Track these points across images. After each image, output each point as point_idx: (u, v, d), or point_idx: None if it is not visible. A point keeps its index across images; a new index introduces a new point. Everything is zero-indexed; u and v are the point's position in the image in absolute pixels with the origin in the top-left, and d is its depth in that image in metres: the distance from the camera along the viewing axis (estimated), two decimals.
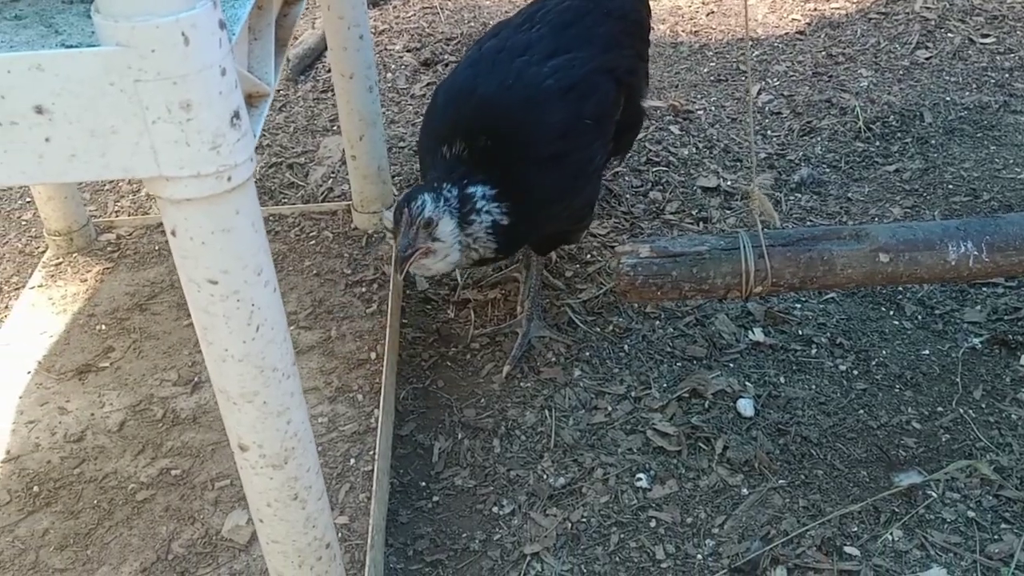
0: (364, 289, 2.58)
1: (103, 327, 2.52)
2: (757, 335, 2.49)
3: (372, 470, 2.03)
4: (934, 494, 2.05)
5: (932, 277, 1.59)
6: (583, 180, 2.33)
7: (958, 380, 2.32)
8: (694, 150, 3.28)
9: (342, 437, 2.15)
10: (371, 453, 2.08)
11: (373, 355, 2.36)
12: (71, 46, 1.12)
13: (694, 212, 2.98)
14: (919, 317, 2.51)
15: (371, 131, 2.66)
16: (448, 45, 4.09)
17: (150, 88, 1.03)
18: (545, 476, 2.17)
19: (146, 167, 1.09)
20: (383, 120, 3.62)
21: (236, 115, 1.11)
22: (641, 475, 2.15)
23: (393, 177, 3.24)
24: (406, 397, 2.42)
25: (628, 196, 3.06)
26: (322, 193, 3.20)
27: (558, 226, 2.45)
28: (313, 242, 2.80)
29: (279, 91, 3.88)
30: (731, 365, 2.42)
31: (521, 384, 2.43)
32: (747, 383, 2.36)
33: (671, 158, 3.24)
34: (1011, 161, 3.06)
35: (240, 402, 1.31)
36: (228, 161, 1.11)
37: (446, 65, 3.95)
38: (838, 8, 4.09)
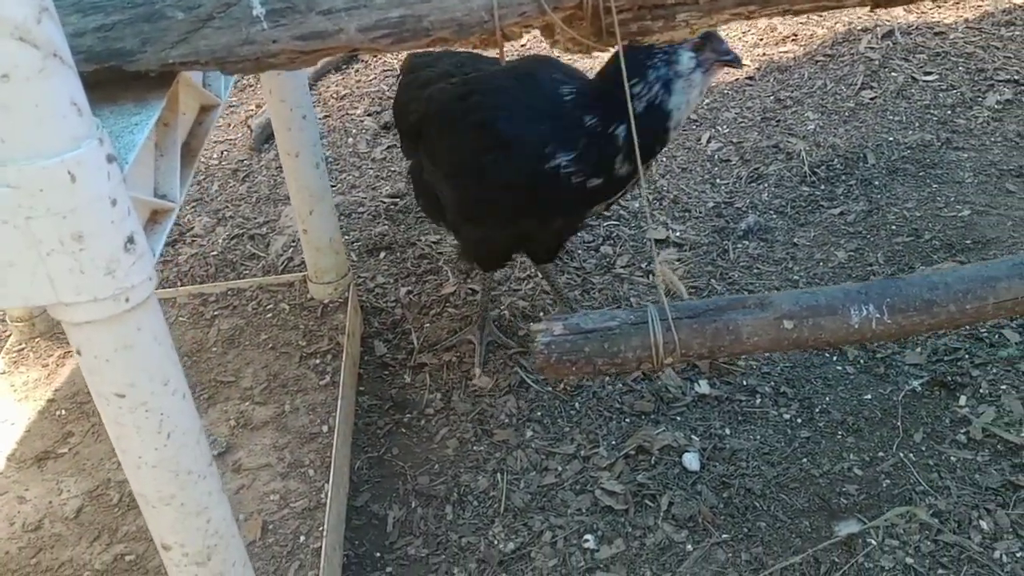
0: (318, 360, 2.64)
1: (63, 412, 2.56)
2: (703, 387, 2.54)
3: (321, 547, 2.06)
4: (873, 542, 2.09)
5: (837, 341, 1.63)
6: None
7: (899, 424, 2.37)
8: (645, 202, 3.35)
9: (293, 514, 2.19)
10: (321, 529, 2.12)
11: (325, 428, 2.40)
12: None
13: (644, 265, 3.04)
14: (861, 361, 2.56)
15: (320, 205, 2.72)
16: None
17: (42, 223, 1.09)
18: (495, 542, 2.21)
19: (44, 295, 1.14)
20: (345, 185, 3.72)
21: (130, 240, 1.17)
22: (588, 536, 2.19)
23: (352, 243, 3.32)
24: (361, 467, 2.46)
25: (580, 251, 3.13)
26: (282, 263, 3.27)
27: None
28: (270, 315, 2.85)
29: (243, 161, 3.97)
30: (678, 419, 2.47)
31: (474, 448, 2.47)
32: (693, 436, 2.40)
33: (622, 211, 3.30)
34: (952, 199, 3.13)
35: (159, 505, 1.35)
36: (124, 284, 1.17)
37: None
38: (786, 52, 4.18)
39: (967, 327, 2.59)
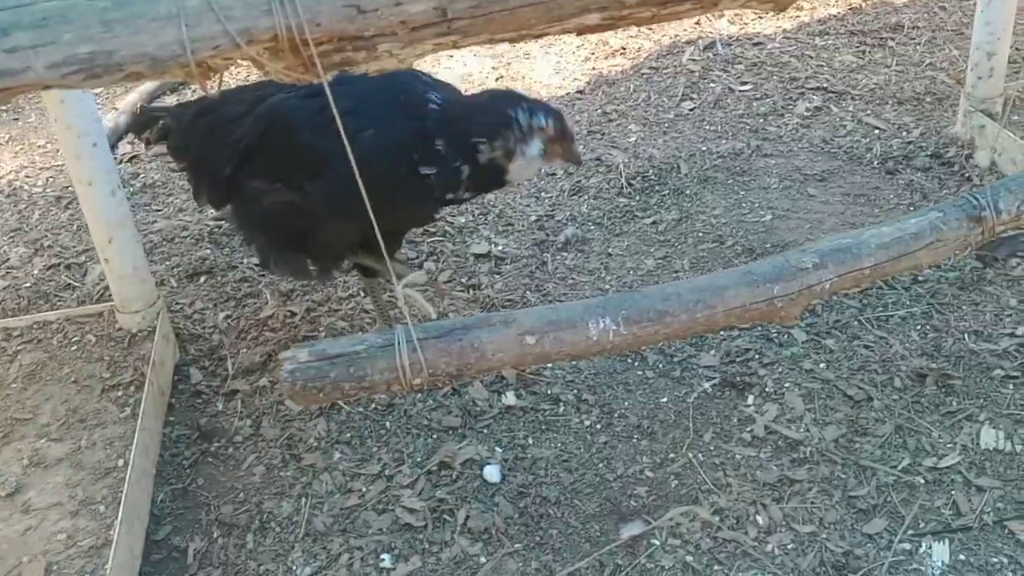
0: (120, 393, 2.58)
1: None
2: (509, 399, 2.59)
3: None
4: (657, 542, 2.17)
5: (579, 353, 1.70)
6: None
7: (690, 425, 2.46)
8: (471, 217, 3.39)
9: (79, 553, 2.14)
10: (107, 567, 2.07)
11: (121, 462, 2.35)
12: None
13: (464, 280, 3.08)
14: (660, 366, 2.66)
15: (120, 233, 2.66)
16: None
17: None
18: (294, 568, 2.20)
19: None
20: (172, 209, 3.64)
21: None
22: (385, 556, 2.20)
23: (173, 268, 3.25)
24: (164, 500, 2.41)
25: (392, 268, 3.14)
26: (98, 292, 3.17)
27: None
28: (75, 347, 2.77)
29: (68, 187, 3.84)
30: (484, 431, 2.51)
31: (281, 473, 2.46)
32: (497, 448, 2.45)
33: (447, 227, 3.34)
34: (756, 205, 3.27)
35: None
36: None
37: None
38: (615, 65, 4.30)
39: (760, 327, 2.71)
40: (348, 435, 2.54)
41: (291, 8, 1.31)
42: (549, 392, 2.60)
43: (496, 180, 2.35)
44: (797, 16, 4.55)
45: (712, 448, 2.40)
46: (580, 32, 1.49)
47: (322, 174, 2.31)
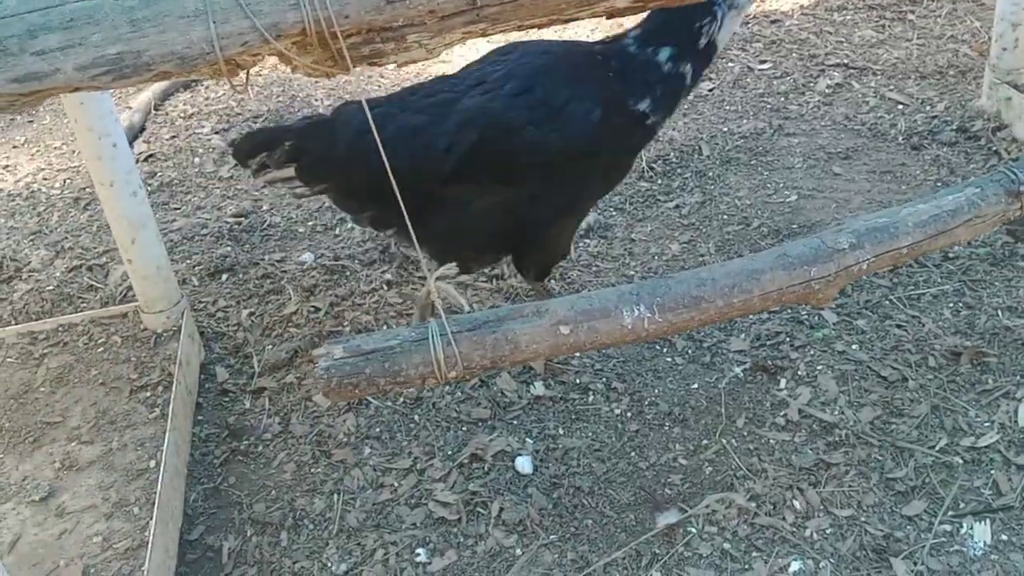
0: (149, 393, 2.57)
1: None
2: (538, 389, 2.57)
3: None
4: (694, 530, 2.14)
5: (613, 342, 1.67)
6: None
7: (723, 411, 2.44)
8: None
9: (116, 555, 2.13)
10: (143, 569, 2.07)
11: (152, 463, 2.35)
12: None
13: (487, 270, 3.06)
14: (690, 352, 2.63)
15: (142, 233, 2.66)
16: (256, 122, 4.12)
17: None
18: (329, 564, 2.19)
19: None
20: (190, 207, 3.63)
21: None
22: (420, 550, 2.19)
23: (194, 266, 3.25)
24: (196, 500, 2.41)
25: (427, 260, 3.12)
26: (121, 293, 3.17)
27: None
28: (101, 349, 2.77)
29: (85, 188, 3.84)
30: (514, 423, 2.49)
31: (312, 470, 2.45)
32: (527, 439, 2.43)
33: None
34: (781, 185, 3.23)
35: None
36: None
37: None
38: None
39: (789, 309, 2.68)
40: (378, 430, 2.53)
41: (319, 1, 1.29)
42: (578, 381, 2.58)
43: (707, 64, 2.38)
44: None
45: (746, 433, 2.37)
46: (610, 15, 1.46)
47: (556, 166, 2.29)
